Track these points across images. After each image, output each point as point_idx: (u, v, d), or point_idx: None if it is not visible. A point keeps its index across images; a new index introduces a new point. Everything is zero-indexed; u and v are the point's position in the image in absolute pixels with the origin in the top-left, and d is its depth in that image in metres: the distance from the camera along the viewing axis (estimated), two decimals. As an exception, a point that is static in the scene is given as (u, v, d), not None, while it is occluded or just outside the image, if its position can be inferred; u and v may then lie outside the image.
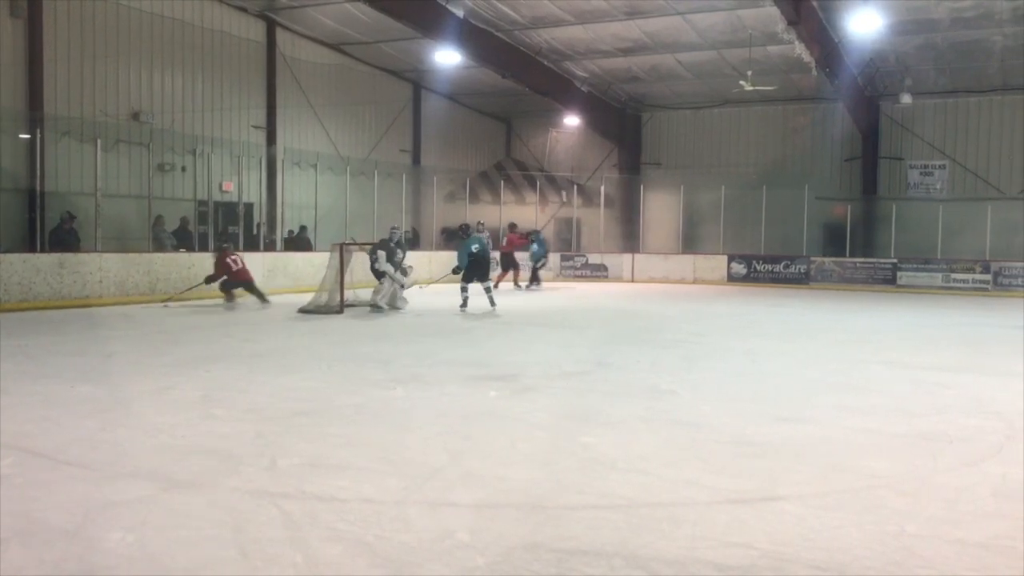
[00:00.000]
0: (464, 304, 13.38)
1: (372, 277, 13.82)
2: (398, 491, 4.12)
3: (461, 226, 15.10)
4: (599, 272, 23.76)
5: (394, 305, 13.38)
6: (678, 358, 9.03)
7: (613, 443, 5.16)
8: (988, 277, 20.35)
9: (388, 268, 13.13)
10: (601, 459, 4.80)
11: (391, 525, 3.64)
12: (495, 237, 23.24)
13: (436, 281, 17.77)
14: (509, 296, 17.08)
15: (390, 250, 13.32)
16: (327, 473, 4.43)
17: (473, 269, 13.61)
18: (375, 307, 12.90)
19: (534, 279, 19.72)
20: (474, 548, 3.40)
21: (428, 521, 3.71)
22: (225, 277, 14.19)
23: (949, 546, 3.53)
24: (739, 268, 22.96)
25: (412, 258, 15.22)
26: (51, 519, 3.68)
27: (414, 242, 23.41)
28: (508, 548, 3.40)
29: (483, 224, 22.76)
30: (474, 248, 13.62)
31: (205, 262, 15.87)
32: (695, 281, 23.08)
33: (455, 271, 13.93)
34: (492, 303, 13.47)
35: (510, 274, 19.72)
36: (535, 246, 19.83)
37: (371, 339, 10.28)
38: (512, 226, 21.04)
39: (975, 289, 20.29)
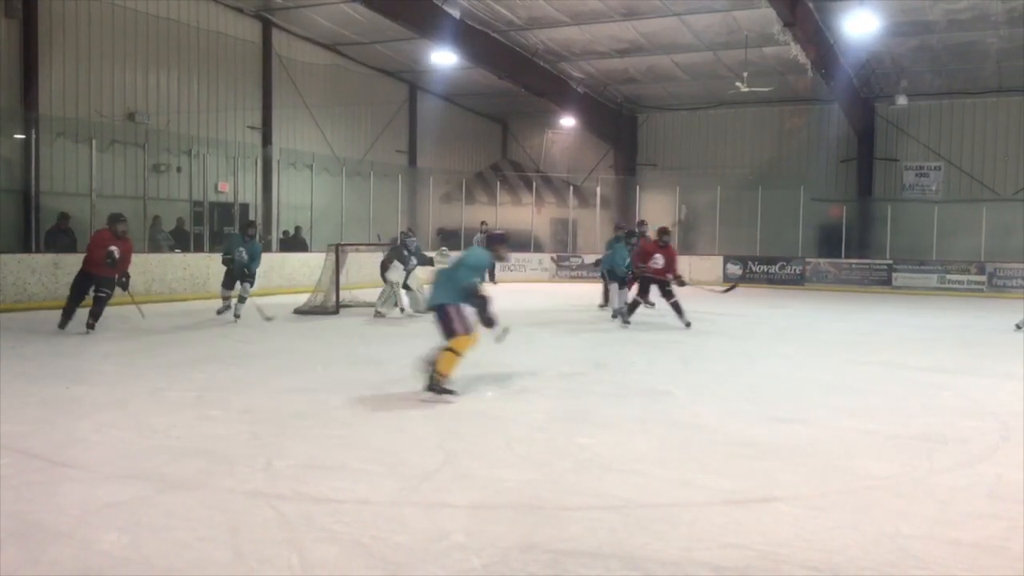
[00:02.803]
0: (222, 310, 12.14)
1: (366, 278, 13.69)
2: (394, 492, 4.12)
3: (249, 223, 12.90)
4: (595, 273, 23.74)
5: (418, 310, 12.59)
6: (674, 359, 9.03)
7: (609, 444, 5.17)
8: (983, 278, 20.39)
9: (395, 279, 12.64)
10: (597, 460, 4.81)
11: (387, 526, 3.64)
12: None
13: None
14: (510, 298, 16.98)
15: (403, 258, 12.70)
16: (323, 474, 4.43)
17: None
18: (378, 314, 12.58)
19: None
20: (470, 549, 3.40)
21: (424, 522, 3.71)
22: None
23: (944, 547, 3.53)
24: (735, 269, 22.98)
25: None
26: (46, 520, 3.67)
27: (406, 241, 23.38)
28: (504, 549, 3.40)
29: (486, 224, 22.71)
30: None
31: (200, 262, 15.86)
32: (691, 282, 23.07)
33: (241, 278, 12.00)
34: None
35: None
36: None
37: (366, 340, 10.27)
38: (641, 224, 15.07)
39: (970, 290, 20.33)
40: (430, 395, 6.40)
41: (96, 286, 10.23)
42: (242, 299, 12.01)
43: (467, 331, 6.47)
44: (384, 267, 12.83)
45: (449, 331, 6.46)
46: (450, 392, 6.42)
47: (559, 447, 5.11)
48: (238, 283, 11.99)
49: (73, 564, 3.23)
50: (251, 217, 19.70)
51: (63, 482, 4.26)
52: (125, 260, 10.33)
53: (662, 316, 12.37)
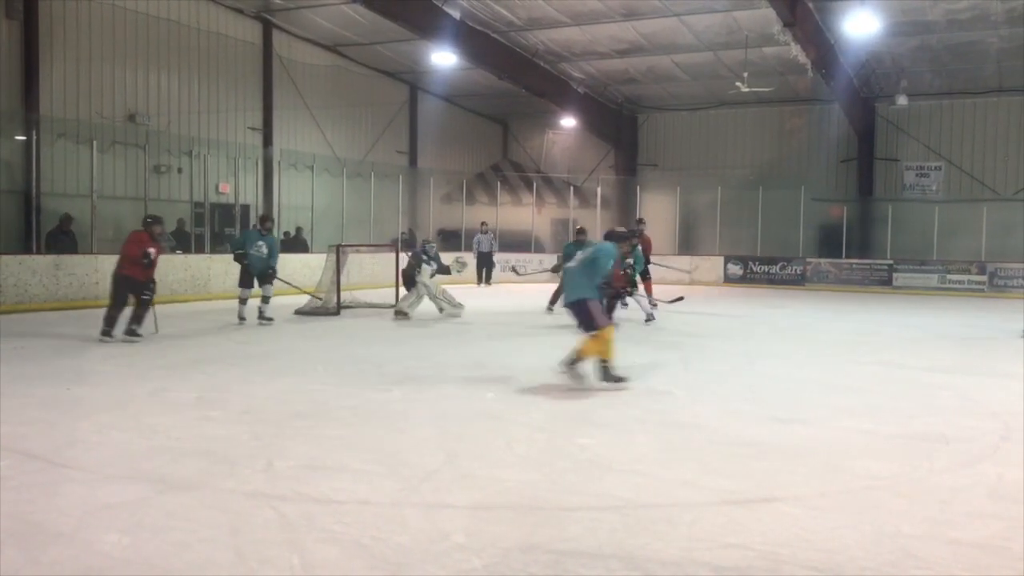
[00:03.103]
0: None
1: (367, 279, 13.64)
2: (394, 493, 4.12)
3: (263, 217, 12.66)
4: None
5: (453, 313, 12.93)
6: (674, 359, 9.02)
7: (609, 444, 5.17)
8: (984, 278, 20.38)
9: (427, 281, 12.73)
10: (597, 460, 4.81)
11: (387, 527, 3.64)
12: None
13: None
14: (511, 298, 17.01)
15: (426, 263, 12.82)
16: (323, 475, 4.43)
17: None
18: (401, 314, 12.53)
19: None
20: (470, 550, 3.40)
21: (424, 523, 3.71)
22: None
23: (945, 547, 3.53)
24: (735, 269, 22.98)
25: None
26: (47, 521, 3.68)
27: (411, 243, 23.40)
28: (504, 550, 3.40)
29: (486, 225, 22.60)
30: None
31: (201, 263, 15.86)
32: (691, 282, 23.06)
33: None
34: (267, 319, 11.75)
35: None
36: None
37: (367, 341, 10.27)
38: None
39: (971, 290, 20.32)
40: (609, 384, 6.90)
41: (137, 290, 9.79)
42: (266, 299, 11.74)
43: (607, 324, 6.96)
44: (410, 273, 12.85)
45: (591, 325, 6.86)
46: (578, 374, 6.87)
47: (559, 447, 5.11)
48: (255, 282, 11.67)
49: (74, 565, 3.23)
50: (253, 218, 19.73)
51: (64, 483, 4.26)
52: (154, 264, 9.99)
53: (664, 318, 12.37)
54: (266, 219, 12.30)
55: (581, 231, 13.55)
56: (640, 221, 14.81)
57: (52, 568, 3.21)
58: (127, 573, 3.18)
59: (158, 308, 13.25)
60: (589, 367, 6.96)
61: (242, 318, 11.63)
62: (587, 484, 4.35)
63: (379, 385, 7.09)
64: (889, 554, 3.43)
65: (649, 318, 12.25)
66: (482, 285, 21.22)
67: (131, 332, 9.71)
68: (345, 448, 5.00)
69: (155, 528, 3.60)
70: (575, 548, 3.43)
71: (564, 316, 13.19)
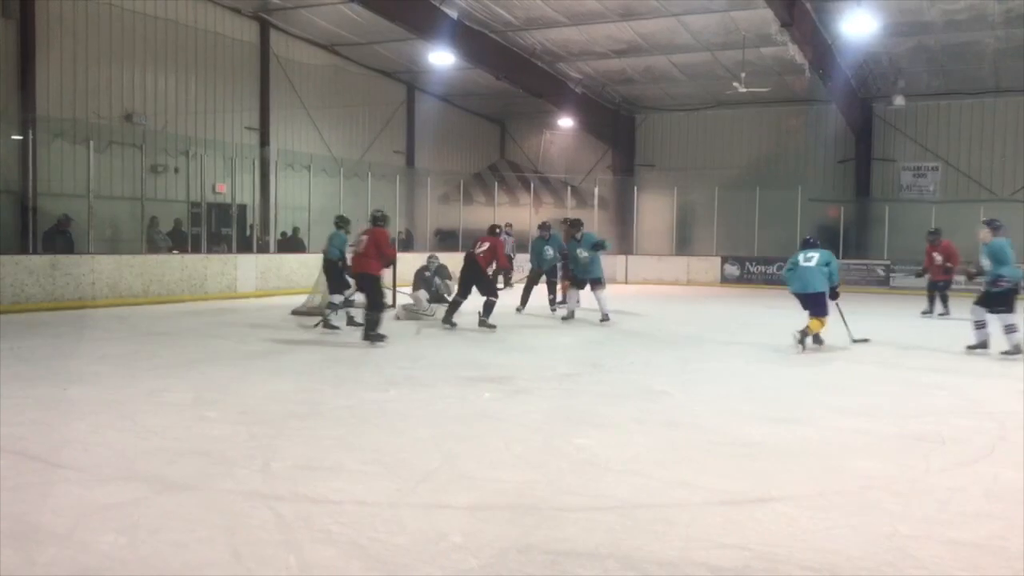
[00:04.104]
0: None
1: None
2: (392, 493, 4.12)
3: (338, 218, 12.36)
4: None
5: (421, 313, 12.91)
6: (671, 359, 9.04)
7: (607, 444, 5.17)
8: (981, 279, 20.34)
9: (421, 294, 12.97)
10: (595, 460, 4.81)
11: (385, 527, 3.64)
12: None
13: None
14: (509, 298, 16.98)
15: (425, 280, 13.23)
16: (320, 475, 4.42)
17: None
18: (405, 314, 12.61)
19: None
20: (468, 550, 3.40)
21: (422, 523, 3.70)
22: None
23: (942, 546, 3.54)
24: (732, 270, 23.01)
25: (407, 260, 15.05)
26: (44, 522, 3.67)
27: (408, 244, 23.39)
28: (502, 550, 3.40)
29: (511, 225, 22.12)
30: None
31: (198, 263, 15.84)
32: (688, 283, 23.12)
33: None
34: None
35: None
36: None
37: (364, 341, 10.25)
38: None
39: (968, 291, 20.26)
40: (808, 341, 9.42)
41: (375, 286, 9.80)
42: (334, 306, 11.16)
43: (827, 313, 9.45)
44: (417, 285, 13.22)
45: (821, 311, 9.41)
46: (821, 342, 9.70)
47: (557, 448, 5.11)
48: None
49: (70, 565, 3.23)
50: (249, 218, 19.74)
51: (60, 483, 4.25)
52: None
53: (662, 318, 12.33)
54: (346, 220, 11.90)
55: (544, 226, 14.24)
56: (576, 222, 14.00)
57: (49, 568, 3.20)
58: (124, 573, 3.18)
59: (157, 308, 13.31)
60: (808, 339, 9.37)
61: (355, 320, 11.09)
62: (584, 484, 4.35)
63: (376, 385, 7.09)
64: (886, 554, 3.43)
65: (569, 315, 12.54)
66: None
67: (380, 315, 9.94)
68: (342, 448, 5.00)
69: (152, 528, 3.59)
70: (572, 548, 3.43)
71: (557, 317, 13.26)
